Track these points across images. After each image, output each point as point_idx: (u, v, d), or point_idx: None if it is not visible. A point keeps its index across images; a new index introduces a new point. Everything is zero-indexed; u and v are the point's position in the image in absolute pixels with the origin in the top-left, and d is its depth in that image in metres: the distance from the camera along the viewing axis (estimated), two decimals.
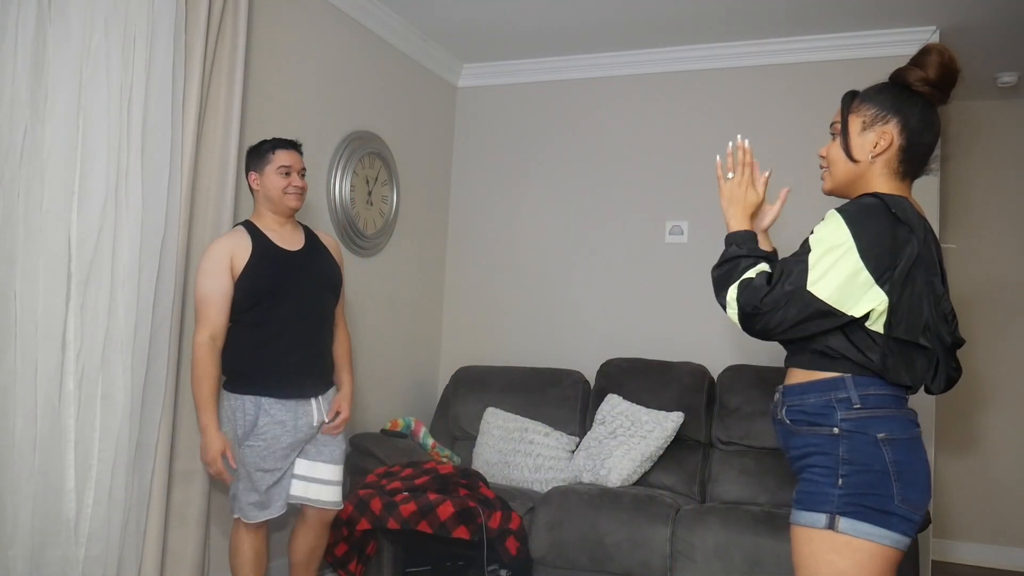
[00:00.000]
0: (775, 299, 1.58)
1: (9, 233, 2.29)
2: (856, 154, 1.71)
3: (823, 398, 1.62)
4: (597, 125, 4.41)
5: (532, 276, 4.47)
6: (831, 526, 1.55)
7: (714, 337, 3.95)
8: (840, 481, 1.56)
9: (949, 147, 4.66)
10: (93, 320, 2.50)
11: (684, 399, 3.71)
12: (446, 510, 3.06)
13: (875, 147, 1.69)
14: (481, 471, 3.72)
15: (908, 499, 1.55)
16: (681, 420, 3.58)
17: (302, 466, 2.73)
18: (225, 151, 2.95)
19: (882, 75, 1.77)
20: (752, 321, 1.62)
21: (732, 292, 1.65)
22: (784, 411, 1.70)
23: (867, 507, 1.54)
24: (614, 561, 3.11)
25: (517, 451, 3.76)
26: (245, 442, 2.62)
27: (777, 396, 1.76)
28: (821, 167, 1.83)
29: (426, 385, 4.47)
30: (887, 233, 1.57)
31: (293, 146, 2.76)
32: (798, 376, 1.69)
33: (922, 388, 1.69)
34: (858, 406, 1.59)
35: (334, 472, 2.78)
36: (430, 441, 3.82)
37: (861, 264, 1.55)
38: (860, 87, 1.77)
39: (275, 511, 2.70)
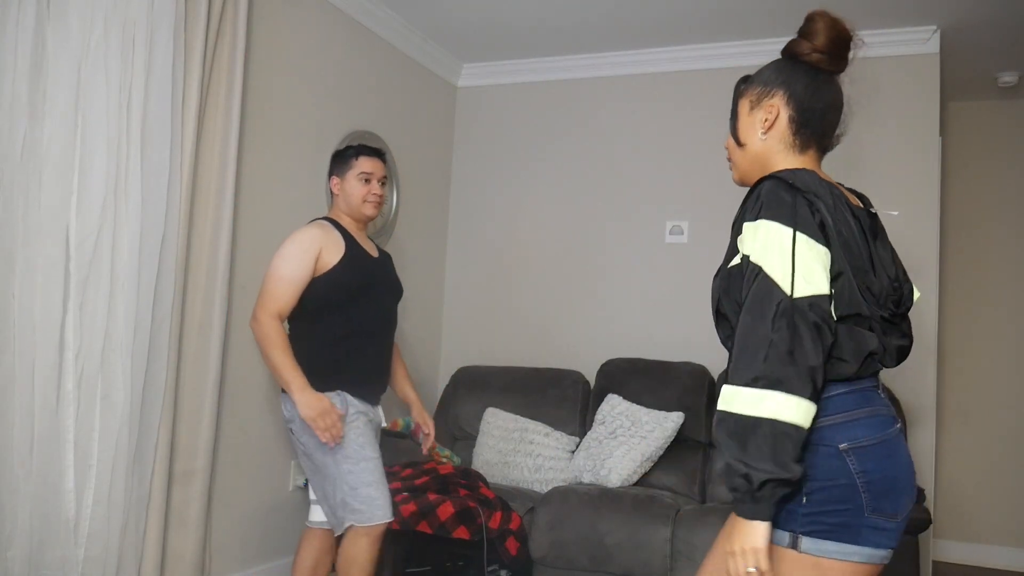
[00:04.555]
0: (779, 347, 1.37)
1: (8, 233, 2.29)
2: (742, 136, 1.64)
3: None
4: (597, 125, 4.41)
5: (532, 276, 4.47)
6: (793, 546, 1.43)
7: (714, 337, 3.92)
8: (804, 499, 1.43)
9: (949, 147, 4.66)
10: (92, 320, 2.49)
11: (684, 399, 3.71)
12: (446, 510, 3.06)
13: (764, 123, 1.60)
14: (481, 471, 3.72)
15: (880, 509, 1.43)
16: (681, 420, 3.58)
17: None
18: (225, 151, 2.94)
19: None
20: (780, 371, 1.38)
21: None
22: None
23: (832, 524, 1.42)
24: (614, 561, 3.11)
25: (517, 451, 3.76)
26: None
27: None
28: (728, 159, 1.73)
29: (426, 385, 4.46)
30: (797, 207, 1.43)
31: (377, 153, 2.74)
32: None
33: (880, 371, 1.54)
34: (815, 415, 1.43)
35: None
36: None
37: (805, 235, 1.41)
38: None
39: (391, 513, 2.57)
